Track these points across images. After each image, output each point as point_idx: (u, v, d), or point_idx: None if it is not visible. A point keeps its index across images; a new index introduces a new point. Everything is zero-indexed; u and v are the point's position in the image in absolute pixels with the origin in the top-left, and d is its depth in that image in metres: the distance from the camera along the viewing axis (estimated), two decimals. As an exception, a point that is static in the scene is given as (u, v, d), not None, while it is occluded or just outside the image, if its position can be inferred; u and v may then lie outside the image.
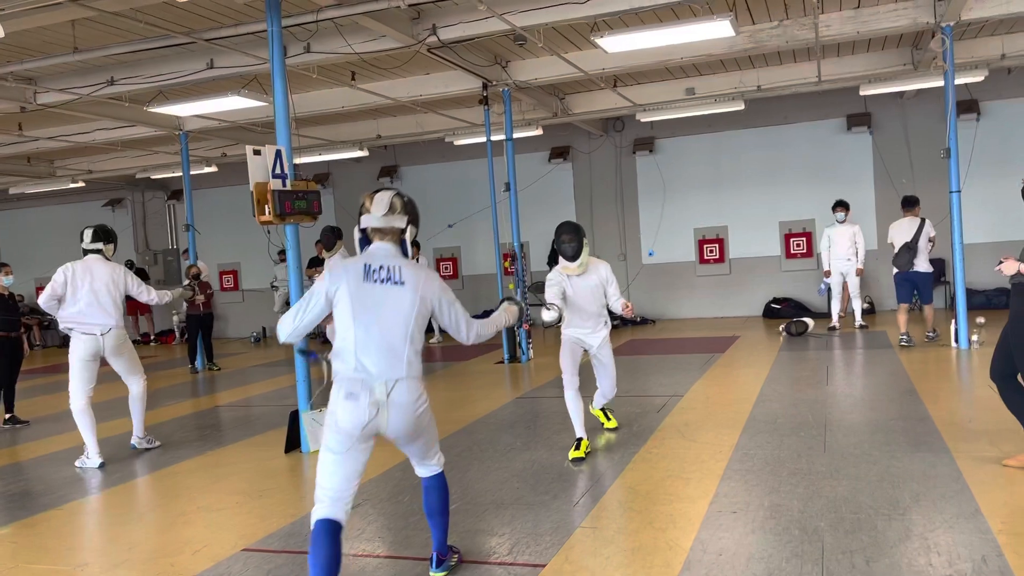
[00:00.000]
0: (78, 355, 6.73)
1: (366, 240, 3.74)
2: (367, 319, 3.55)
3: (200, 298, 12.67)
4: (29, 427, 8.92)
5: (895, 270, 10.68)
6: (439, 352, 13.83)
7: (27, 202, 20.61)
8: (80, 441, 6.85)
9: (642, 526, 4.47)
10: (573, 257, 5.94)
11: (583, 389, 6.18)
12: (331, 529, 3.51)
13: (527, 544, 4.30)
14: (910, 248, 10.44)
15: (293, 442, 6.83)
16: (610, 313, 6.20)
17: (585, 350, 6.22)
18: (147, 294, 7.17)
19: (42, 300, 6.87)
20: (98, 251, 6.99)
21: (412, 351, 3.62)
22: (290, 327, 3.65)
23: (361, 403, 3.49)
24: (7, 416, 9.06)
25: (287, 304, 14.37)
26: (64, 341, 21.77)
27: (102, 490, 6.11)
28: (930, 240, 10.57)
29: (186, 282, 8.15)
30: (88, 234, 7.05)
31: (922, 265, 10.47)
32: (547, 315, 5.48)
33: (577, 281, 6.00)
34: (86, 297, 6.73)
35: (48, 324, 21.03)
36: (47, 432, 8.50)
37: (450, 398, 9.22)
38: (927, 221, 10.63)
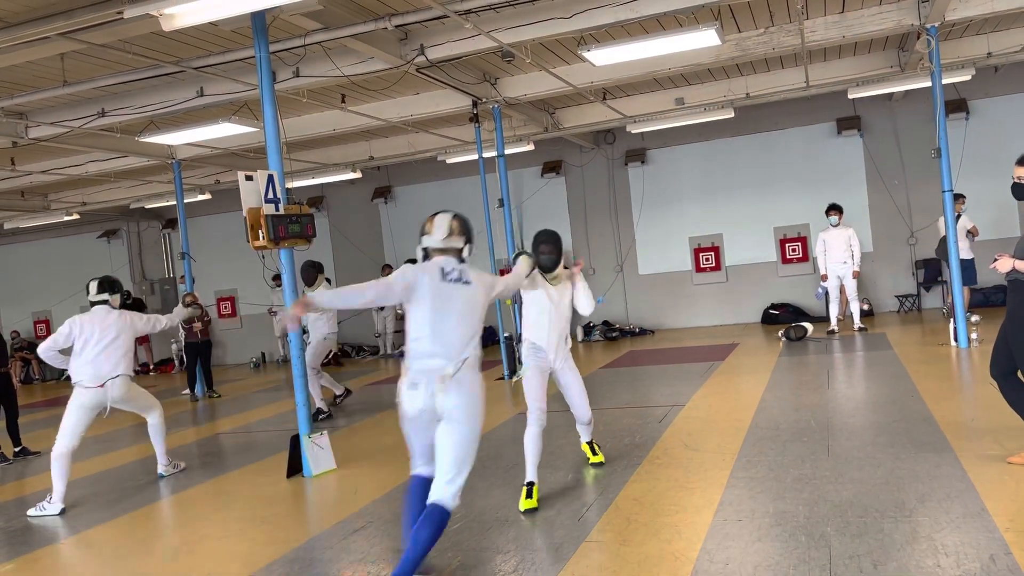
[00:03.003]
0: (80, 403, 6.67)
1: (427, 258, 4.23)
2: (442, 313, 4.05)
3: (198, 325, 12.70)
4: (40, 457, 8.94)
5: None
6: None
7: (22, 236, 20.61)
8: (90, 471, 6.80)
9: (647, 538, 4.45)
10: (551, 268, 5.63)
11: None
12: (423, 483, 4.13)
13: (532, 560, 4.27)
14: None
15: (295, 467, 6.80)
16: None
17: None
18: (158, 323, 7.26)
19: (41, 350, 6.82)
20: (104, 302, 6.95)
21: (478, 338, 4.17)
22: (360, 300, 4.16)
23: (419, 389, 3.98)
24: (16, 449, 9.09)
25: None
26: (63, 373, 21.68)
27: (104, 522, 6.06)
28: (968, 232, 11.70)
29: (185, 296, 8.27)
30: (93, 286, 7.00)
31: (961, 252, 11.06)
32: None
33: (552, 293, 5.64)
34: (95, 348, 6.71)
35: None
36: (49, 465, 8.44)
37: (451, 416, 9.18)
38: (963, 216, 11.52)
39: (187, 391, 13.30)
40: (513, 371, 11.51)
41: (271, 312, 17.64)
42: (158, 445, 7.32)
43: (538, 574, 4.08)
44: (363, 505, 5.68)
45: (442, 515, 3.91)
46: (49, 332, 21.02)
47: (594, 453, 6.16)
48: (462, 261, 4.22)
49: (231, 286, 19.20)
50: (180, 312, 7.94)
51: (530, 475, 5.41)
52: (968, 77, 12.20)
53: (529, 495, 5.30)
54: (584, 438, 6.20)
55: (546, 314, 5.59)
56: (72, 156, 13.69)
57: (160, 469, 7.38)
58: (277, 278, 7.11)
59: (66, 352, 6.84)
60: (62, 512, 6.43)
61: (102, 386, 6.69)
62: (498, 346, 11.83)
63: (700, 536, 4.35)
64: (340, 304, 4.27)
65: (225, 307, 19.53)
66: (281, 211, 6.69)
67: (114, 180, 15.56)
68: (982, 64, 12.02)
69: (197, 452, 8.55)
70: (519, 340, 11.90)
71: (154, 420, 7.25)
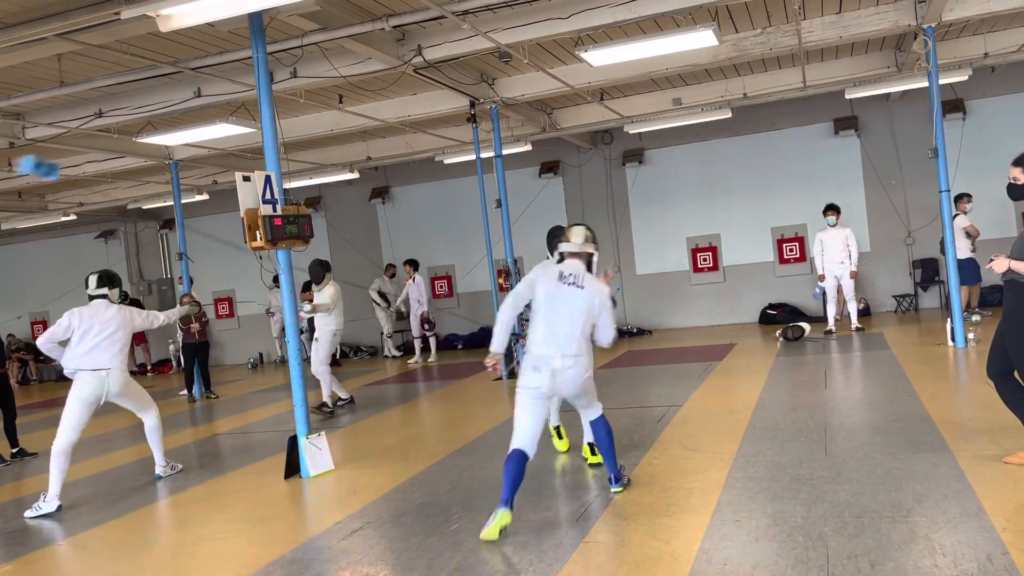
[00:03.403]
0: (80, 396, 6.67)
1: (562, 259, 5.25)
2: (554, 310, 5.00)
3: (195, 326, 12.70)
4: (37, 458, 8.96)
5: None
6: (436, 371, 13.80)
7: (19, 237, 20.59)
8: (88, 472, 6.78)
9: (645, 538, 4.45)
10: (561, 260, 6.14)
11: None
12: (521, 458, 4.86)
13: (530, 561, 4.27)
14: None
15: (293, 467, 6.79)
16: None
17: None
18: (156, 320, 7.32)
19: (40, 341, 6.83)
20: (103, 296, 6.96)
21: (584, 337, 5.02)
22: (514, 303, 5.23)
23: (542, 372, 4.90)
24: (13, 450, 9.08)
25: (283, 330, 14.29)
26: (60, 375, 21.60)
27: (102, 524, 6.06)
28: (966, 232, 11.89)
29: (183, 295, 8.32)
30: (93, 280, 7.02)
31: (959, 252, 11.10)
32: None
33: None
34: (93, 340, 6.71)
35: (44, 359, 20.99)
36: (47, 466, 8.40)
37: (449, 417, 9.18)
38: (960, 216, 11.72)
39: (184, 392, 13.29)
40: (511, 372, 11.50)
41: (268, 312, 17.63)
42: (156, 447, 7.31)
43: (536, 575, 4.08)
44: (361, 506, 5.68)
45: (604, 420, 5.34)
46: (46, 333, 20.96)
47: (593, 454, 6.21)
48: (590, 265, 5.21)
49: (229, 287, 19.19)
50: (180, 309, 8.01)
51: (554, 420, 6.58)
52: (965, 77, 12.22)
53: (560, 436, 6.63)
54: (587, 438, 6.26)
55: None
56: (69, 157, 13.68)
57: (158, 470, 7.37)
58: (277, 279, 7.17)
59: (65, 345, 6.81)
60: (59, 509, 6.42)
61: (96, 370, 6.67)
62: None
63: (698, 536, 4.35)
64: (509, 323, 5.22)
65: (223, 308, 19.52)
66: (278, 212, 6.69)
67: (111, 181, 15.56)
68: (979, 64, 12.04)
69: (195, 453, 8.54)
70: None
71: (151, 422, 7.23)
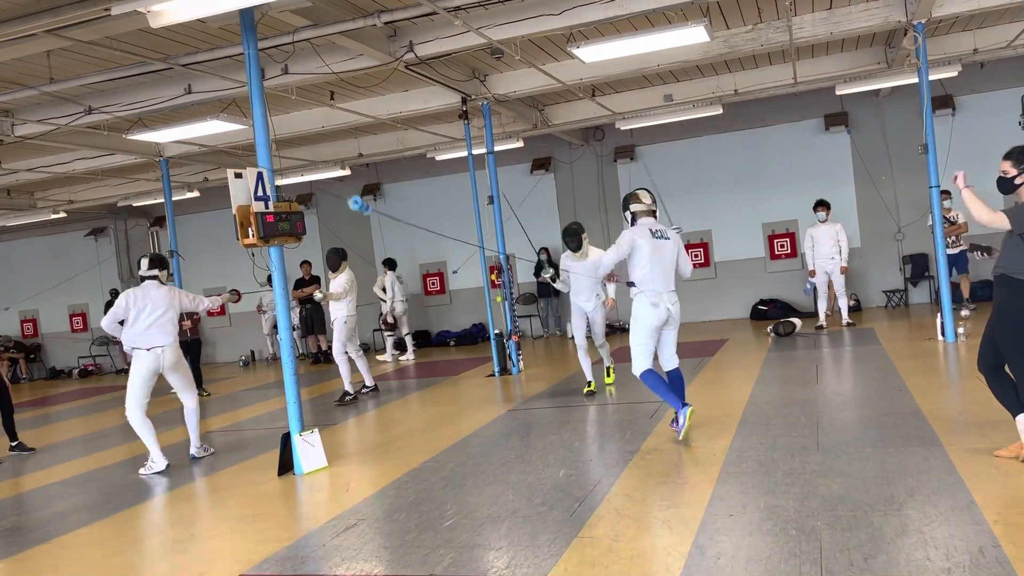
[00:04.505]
0: (139, 372, 7.37)
1: (635, 219, 6.54)
2: (657, 259, 6.40)
3: (187, 323, 12.65)
4: (36, 454, 9.05)
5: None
6: (430, 368, 13.79)
7: (8, 235, 20.48)
8: (80, 470, 6.83)
9: (639, 533, 4.46)
10: (577, 249, 8.48)
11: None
12: (654, 372, 6.59)
13: (525, 556, 4.28)
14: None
15: (286, 465, 6.78)
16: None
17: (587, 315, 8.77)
18: (202, 303, 7.95)
19: (104, 323, 7.57)
20: (154, 277, 7.62)
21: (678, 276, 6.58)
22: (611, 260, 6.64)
23: (660, 307, 6.54)
24: (13, 443, 9.12)
25: (275, 328, 14.19)
26: (51, 373, 21.51)
27: (94, 522, 6.04)
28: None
29: (229, 289, 8.59)
30: (145, 263, 7.69)
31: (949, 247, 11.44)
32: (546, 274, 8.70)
33: (579, 264, 8.51)
34: (148, 319, 7.37)
35: (33, 357, 20.89)
36: (39, 465, 8.42)
37: (442, 413, 9.18)
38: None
39: (177, 390, 13.25)
40: (504, 368, 11.51)
41: (259, 310, 17.58)
42: (193, 428, 7.82)
43: (531, 570, 4.09)
44: (355, 503, 5.68)
45: (679, 372, 6.74)
46: (37, 331, 20.97)
47: (607, 376, 9.34)
48: (656, 217, 6.54)
49: (220, 284, 19.09)
50: (223, 296, 8.56)
51: (588, 376, 8.99)
52: (954, 73, 12.26)
53: (608, 374, 9.38)
54: (606, 362, 9.29)
55: (575, 278, 8.57)
56: (59, 154, 13.61)
57: (192, 451, 7.86)
58: (271, 279, 7.26)
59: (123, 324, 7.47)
60: (168, 468, 7.34)
61: (150, 350, 7.33)
62: (488, 343, 11.81)
63: (691, 531, 4.37)
64: (607, 270, 6.87)
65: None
66: (271, 208, 6.67)
67: (101, 178, 15.48)
68: (968, 60, 12.09)
69: (188, 450, 8.51)
70: (508, 336, 12.24)
71: (191, 404, 7.78)
